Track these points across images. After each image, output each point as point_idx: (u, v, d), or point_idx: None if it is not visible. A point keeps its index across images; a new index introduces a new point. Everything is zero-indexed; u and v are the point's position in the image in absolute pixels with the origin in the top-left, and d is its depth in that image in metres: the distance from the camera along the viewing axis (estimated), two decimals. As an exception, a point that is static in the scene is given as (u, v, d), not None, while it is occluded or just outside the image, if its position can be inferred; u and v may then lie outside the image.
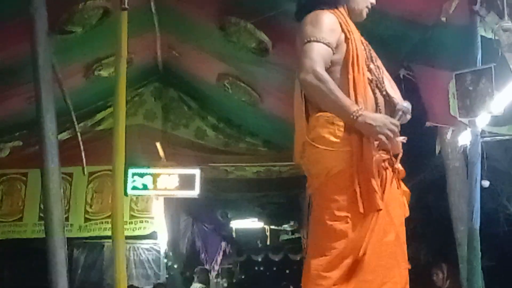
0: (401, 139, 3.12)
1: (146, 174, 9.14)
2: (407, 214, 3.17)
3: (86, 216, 9.76)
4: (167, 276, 12.78)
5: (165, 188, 9.20)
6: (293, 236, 17.39)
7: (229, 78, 8.33)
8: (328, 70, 3.05)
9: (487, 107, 4.79)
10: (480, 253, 4.92)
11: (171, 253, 12.81)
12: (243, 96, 8.56)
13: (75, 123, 5.42)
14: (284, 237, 18.34)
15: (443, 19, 4.78)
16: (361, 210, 2.89)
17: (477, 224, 4.88)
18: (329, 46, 3.08)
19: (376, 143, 2.96)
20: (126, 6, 4.04)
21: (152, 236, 11.11)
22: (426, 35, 5.30)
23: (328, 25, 3.14)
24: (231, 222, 16.75)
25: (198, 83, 9.56)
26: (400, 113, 3.10)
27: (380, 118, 2.94)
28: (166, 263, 12.82)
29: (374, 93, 3.12)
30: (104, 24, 6.69)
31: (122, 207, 4.31)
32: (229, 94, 8.70)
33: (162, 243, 12.44)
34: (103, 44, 7.32)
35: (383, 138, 2.90)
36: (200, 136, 9.95)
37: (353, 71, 3.08)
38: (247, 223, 16.96)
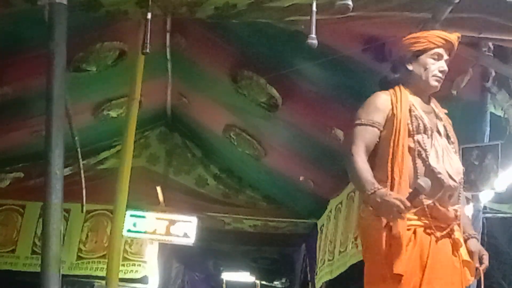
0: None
1: (144, 217, 9.09)
2: (467, 283, 3.39)
3: (79, 254, 9.63)
4: (153, 323, 12.58)
5: (161, 233, 9.12)
6: (283, 294, 17.12)
7: (236, 129, 8.38)
8: (378, 145, 3.44)
9: (491, 184, 4.80)
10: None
11: (159, 300, 12.64)
12: (248, 149, 8.59)
13: (80, 160, 5.41)
14: (274, 294, 18.04)
15: (454, 92, 4.81)
16: (386, 273, 3.18)
17: (469, 300, 4.84)
18: (373, 126, 3.43)
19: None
20: (147, 50, 4.10)
21: (143, 280, 10.93)
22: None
23: (376, 105, 3.48)
24: (222, 273, 16.54)
25: (204, 131, 9.60)
26: (421, 197, 3.22)
27: (387, 199, 3.13)
28: (154, 310, 12.62)
29: (414, 163, 3.35)
30: (118, 66, 6.76)
31: (120, 248, 4.31)
32: (234, 145, 8.73)
33: (152, 289, 12.27)
34: (114, 84, 7.39)
35: (389, 217, 3.17)
36: (200, 184, 9.95)
37: (393, 145, 3.39)
38: (238, 276, 16.74)
